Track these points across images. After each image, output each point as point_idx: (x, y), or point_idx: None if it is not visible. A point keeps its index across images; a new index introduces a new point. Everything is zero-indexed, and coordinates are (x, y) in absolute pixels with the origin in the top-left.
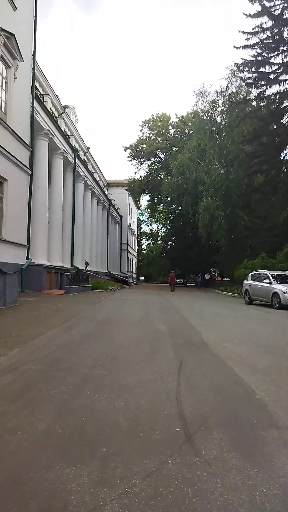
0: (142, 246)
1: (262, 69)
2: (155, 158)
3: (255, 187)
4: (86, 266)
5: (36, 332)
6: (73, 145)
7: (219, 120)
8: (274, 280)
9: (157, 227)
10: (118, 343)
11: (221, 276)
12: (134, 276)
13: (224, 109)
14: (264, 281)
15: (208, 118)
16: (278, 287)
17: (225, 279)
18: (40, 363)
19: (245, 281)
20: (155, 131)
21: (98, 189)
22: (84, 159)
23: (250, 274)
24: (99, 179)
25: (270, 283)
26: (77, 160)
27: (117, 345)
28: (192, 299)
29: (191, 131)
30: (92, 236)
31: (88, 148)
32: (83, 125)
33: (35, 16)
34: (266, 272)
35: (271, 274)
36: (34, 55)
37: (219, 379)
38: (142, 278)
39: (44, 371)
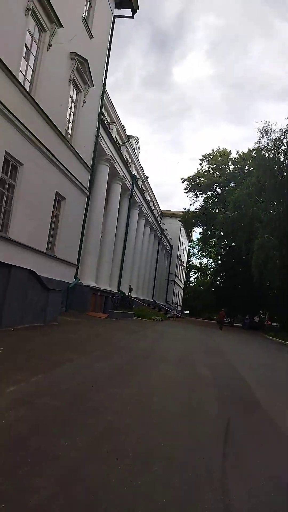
0: (190, 279)
1: None
2: (212, 192)
3: None
4: (130, 292)
5: (67, 357)
6: (133, 173)
7: (282, 158)
8: None
9: (207, 261)
10: (153, 385)
11: (271, 320)
12: (179, 308)
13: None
14: None
15: (271, 156)
16: None
17: (274, 323)
18: (60, 398)
19: None
20: (214, 165)
21: (152, 218)
22: (141, 187)
23: None
24: (154, 208)
25: None
26: (134, 187)
27: (152, 388)
28: (239, 342)
29: (251, 168)
30: (141, 263)
31: (146, 177)
32: (145, 156)
33: (109, 46)
34: None
35: None
36: (104, 83)
37: (276, 461)
38: (187, 312)
39: (62, 409)
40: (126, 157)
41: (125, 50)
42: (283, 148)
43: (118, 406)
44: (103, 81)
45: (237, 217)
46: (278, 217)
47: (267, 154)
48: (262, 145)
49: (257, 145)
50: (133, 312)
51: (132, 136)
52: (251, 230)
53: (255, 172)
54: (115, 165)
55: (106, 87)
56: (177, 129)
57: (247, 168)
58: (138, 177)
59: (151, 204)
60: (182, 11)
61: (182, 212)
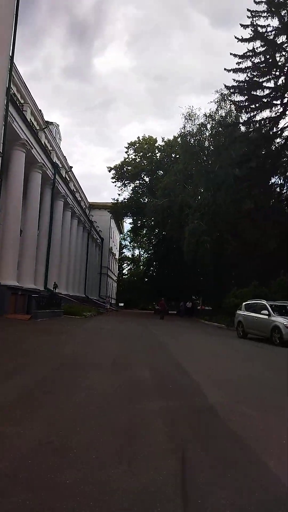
0: (123, 271)
1: (253, 93)
2: (140, 181)
3: (243, 213)
4: (55, 289)
5: None
6: (54, 161)
7: (207, 144)
8: (273, 312)
9: (139, 253)
10: (77, 405)
11: (204, 304)
12: (113, 301)
13: (213, 132)
14: (262, 312)
15: (196, 141)
16: (279, 320)
17: (207, 307)
18: None
19: (238, 312)
20: (141, 153)
21: (79, 209)
22: (65, 177)
23: (244, 304)
24: (80, 199)
25: (269, 315)
26: (57, 177)
27: (75, 412)
28: (178, 330)
29: (177, 156)
30: (70, 257)
31: (70, 167)
32: (70, 149)
33: (16, 16)
34: (264, 302)
35: (269, 305)
36: (12, 57)
37: None
38: (121, 304)
39: None
40: (45, 143)
41: (42, 39)
42: (207, 134)
43: (24, 449)
44: (11, 54)
45: (167, 205)
46: (206, 202)
47: (192, 140)
48: (187, 131)
49: (182, 130)
50: (62, 310)
51: (52, 122)
52: (181, 217)
53: (182, 158)
54: (32, 151)
55: (21, 73)
56: (102, 122)
57: (173, 155)
58: (60, 166)
59: (77, 195)
60: (101, 1)
61: (111, 203)
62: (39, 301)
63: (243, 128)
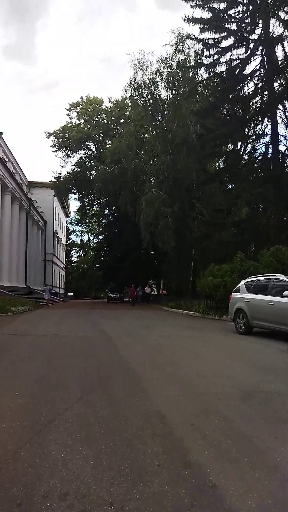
0: (72, 259)
1: (221, 25)
2: (85, 151)
3: (210, 174)
4: None
5: None
6: None
7: (163, 95)
8: None
9: (89, 238)
10: None
11: (167, 288)
12: (61, 291)
13: (170, 81)
14: (284, 294)
15: (150, 94)
16: None
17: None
18: None
19: (236, 295)
20: (85, 116)
21: (12, 182)
22: None
23: (245, 282)
24: (14, 171)
25: None
26: None
27: None
28: (142, 326)
29: (129, 120)
30: (3, 242)
31: (1, 133)
32: (10, 135)
33: None
34: (284, 277)
35: None
36: None
37: None
38: (70, 294)
39: None
40: None
41: None
42: (163, 84)
43: None
44: None
45: (118, 172)
46: (165, 167)
47: (145, 93)
48: (138, 82)
49: (132, 82)
50: None
51: None
52: (136, 186)
53: (133, 116)
54: None
55: None
56: (45, 106)
57: (123, 120)
58: None
59: (9, 165)
60: None
61: (53, 177)
62: None
63: (204, 76)
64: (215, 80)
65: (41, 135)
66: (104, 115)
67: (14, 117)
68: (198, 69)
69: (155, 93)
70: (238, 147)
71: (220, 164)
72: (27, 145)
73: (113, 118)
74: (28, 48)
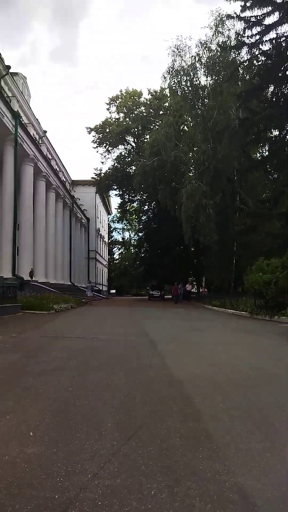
0: (114, 256)
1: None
2: (125, 146)
3: (254, 162)
4: (31, 276)
5: None
6: (23, 122)
7: (203, 81)
8: None
9: (130, 235)
10: None
11: (209, 286)
12: (104, 288)
13: (210, 65)
14: None
15: (189, 81)
16: None
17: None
18: None
19: None
20: (125, 110)
21: (57, 180)
22: (38, 141)
23: None
24: (58, 169)
25: None
26: (20, 132)
27: None
28: (185, 326)
29: (168, 112)
30: (49, 239)
31: (44, 132)
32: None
33: None
34: None
35: None
36: None
37: None
38: (113, 291)
39: None
40: (4, 92)
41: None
42: (202, 70)
43: None
44: None
45: (158, 165)
46: (206, 157)
47: (184, 80)
48: (176, 69)
49: (171, 69)
50: (19, 304)
51: (17, 73)
52: (175, 179)
53: (172, 107)
54: None
55: None
56: (88, 103)
57: (161, 112)
58: (27, 122)
59: (53, 163)
60: None
61: (94, 173)
62: None
63: (246, 57)
64: (259, 59)
65: (83, 134)
66: (143, 108)
67: (59, 117)
68: (240, 50)
69: (194, 79)
70: (285, 131)
71: (265, 151)
72: (70, 144)
73: (152, 110)
74: (71, 50)
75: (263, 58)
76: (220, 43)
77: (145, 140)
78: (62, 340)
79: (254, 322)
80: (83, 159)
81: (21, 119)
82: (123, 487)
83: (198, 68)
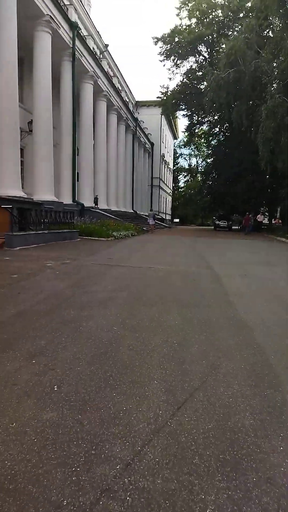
0: (179, 184)
1: None
2: (196, 57)
3: None
4: (96, 204)
5: None
6: (82, 34)
7: None
8: None
9: (197, 162)
10: None
11: (283, 218)
12: (167, 217)
13: None
14: None
15: None
16: None
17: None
18: None
19: None
20: (198, 14)
21: (119, 101)
22: (99, 56)
23: None
24: (121, 88)
25: None
26: (78, 44)
27: None
28: (255, 259)
29: (250, 14)
30: (110, 164)
31: (106, 46)
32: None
33: None
34: None
35: None
36: None
37: None
38: (177, 220)
39: None
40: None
41: None
42: None
43: None
44: None
45: (233, 77)
46: None
47: None
48: None
49: None
50: (77, 230)
51: None
52: (254, 94)
53: (255, 6)
54: None
55: None
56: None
57: (242, 14)
58: (87, 35)
59: (115, 80)
60: None
61: (160, 92)
62: (24, 217)
63: None
64: None
65: (150, 48)
66: (220, 11)
67: (123, 29)
68: None
69: None
70: None
71: None
72: (135, 59)
73: (230, 13)
74: None
75: None
76: None
77: (221, 50)
78: (116, 269)
79: None
80: (149, 77)
81: (79, 31)
82: (163, 495)
83: None
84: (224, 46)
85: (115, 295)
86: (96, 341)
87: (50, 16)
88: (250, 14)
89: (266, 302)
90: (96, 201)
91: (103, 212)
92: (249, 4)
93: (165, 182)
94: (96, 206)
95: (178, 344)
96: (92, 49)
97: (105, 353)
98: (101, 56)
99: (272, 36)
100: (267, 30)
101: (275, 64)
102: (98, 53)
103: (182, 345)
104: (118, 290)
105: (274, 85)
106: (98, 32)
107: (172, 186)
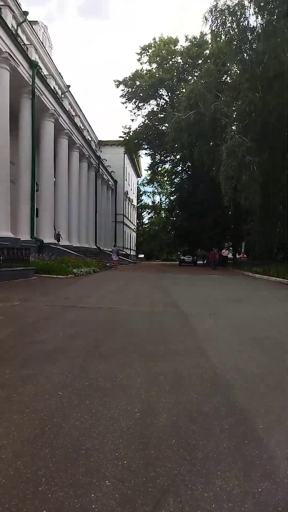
0: (143, 220)
1: None
2: (157, 100)
3: None
4: (58, 240)
5: None
6: (42, 73)
7: (252, 23)
8: None
9: (160, 199)
10: None
11: (248, 252)
12: (132, 252)
13: (261, 4)
14: None
15: (235, 21)
16: None
17: (230, 256)
18: None
19: None
20: (158, 59)
21: (81, 139)
22: (60, 96)
23: None
24: (82, 127)
25: None
26: (38, 82)
27: None
28: (225, 295)
29: (208, 61)
30: (72, 200)
31: (68, 86)
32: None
33: None
34: None
35: None
36: None
37: None
38: (142, 256)
39: None
40: (21, 39)
41: None
42: (251, 10)
43: None
44: None
45: (194, 119)
46: (253, 107)
47: (229, 21)
48: (220, 9)
49: (213, 9)
50: (33, 267)
51: (36, 21)
52: (215, 135)
53: (213, 53)
54: None
55: None
56: (119, 62)
57: (200, 61)
58: (57, 87)
59: (77, 120)
60: None
61: (123, 132)
62: None
63: None
64: None
65: (112, 92)
66: (179, 58)
67: (85, 74)
68: None
69: (241, 20)
70: None
71: None
72: (98, 103)
73: (189, 60)
74: (102, 5)
75: None
76: None
77: (181, 94)
78: (72, 311)
79: None
80: (111, 119)
81: (40, 70)
82: None
83: (246, 7)
84: (184, 90)
85: (66, 345)
86: (32, 416)
87: (9, 53)
88: (209, 60)
89: (242, 346)
90: (58, 237)
91: (64, 249)
92: (207, 52)
93: (129, 219)
94: (58, 242)
95: (141, 414)
96: (53, 88)
97: (40, 435)
98: (62, 96)
99: (230, 81)
100: (225, 76)
101: (234, 105)
102: (59, 92)
103: (145, 416)
104: (71, 338)
105: (233, 126)
106: (59, 72)
107: (137, 223)
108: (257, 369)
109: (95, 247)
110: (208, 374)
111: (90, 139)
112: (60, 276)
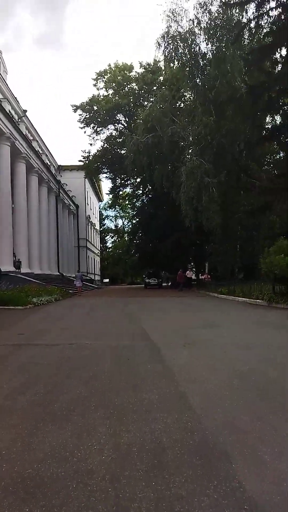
0: (107, 245)
1: None
2: (115, 125)
3: (266, 133)
4: (18, 268)
5: None
6: None
7: (203, 49)
8: None
9: (123, 223)
10: None
11: (211, 273)
12: (96, 277)
13: (211, 25)
14: None
15: (187, 47)
16: None
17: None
18: None
19: None
20: (114, 85)
21: (39, 163)
22: (17, 120)
23: None
24: (41, 151)
25: None
26: None
27: None
28: (195, 320)
29: (163, 88)
30: (32, 226)
31: (24, 111)
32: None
33: None
34: None
35: None
36: None
37: None
38: (107, 280)
39: None
40: None
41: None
42: (202, 36)
43: None
44: None
45: (152, 142)
46: (208, 130)
47: (181, 47)
48: (172, 35)
49: (165, 35)
50: None
51: None
52: (173, 157)
53: (167, 79)
54: None
55: None
56: (76, 88)
57: (155, 87)
58: (11, 110)
59: (35, 145)
60: None
61: (82, 156)
62: None
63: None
64: (270, 15)
65: (70, 117)
66: (135, 84)
67: (43, 100)
68: (247, 6)
69: (192, 46)
70: None
71: (277, 120)
72: (57, 128)
73: (145, 86)
74: (58, 35)
75: (275, 13)
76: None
77: (138, 117)
78: (25, 350)
79: (278, 313)
80: (70, 144)
81: None
82: None
83: (197, 34)
84: (141, 115)
85: (11, 401)
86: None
87: None
88: (163, 86)
89: (229, 388)
90: (18, 265)
91: (25, 277)
92: (161, 78)
93: (92, 243)
94: (18, 270)
95: None
96: (8, 112)
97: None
98: (19, 120)
99: (183, 107)
100: (180, 103)
101: (190, 129)
102: (16, 116)
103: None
104: (18, 391)
105: (190, 150)
106: (15, 97)
107: (100, 247)
108: (253, 423)
109: (58, 273)
110: (196, 439)
111: (49, 163)
112: (18, 307)
